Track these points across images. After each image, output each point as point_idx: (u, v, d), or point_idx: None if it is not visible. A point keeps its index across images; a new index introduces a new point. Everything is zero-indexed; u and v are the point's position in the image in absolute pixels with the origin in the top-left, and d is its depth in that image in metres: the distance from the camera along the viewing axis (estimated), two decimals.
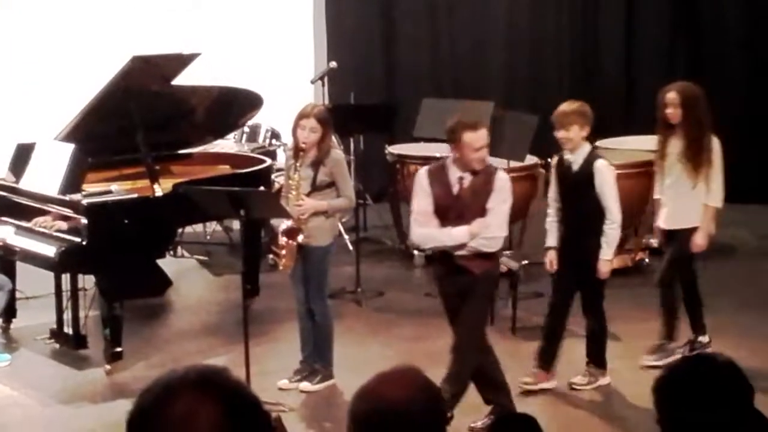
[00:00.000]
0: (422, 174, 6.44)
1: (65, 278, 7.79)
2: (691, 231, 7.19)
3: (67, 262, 7.30)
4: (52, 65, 10.73)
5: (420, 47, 12.51)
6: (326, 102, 9.70)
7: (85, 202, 7.29)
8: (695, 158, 7.13)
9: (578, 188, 6.82)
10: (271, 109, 9.24)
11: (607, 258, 6.76)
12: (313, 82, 10.51)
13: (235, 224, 9.87)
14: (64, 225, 7.38)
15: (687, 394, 2.89)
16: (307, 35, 12.20)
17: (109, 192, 7.52)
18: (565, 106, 7.01)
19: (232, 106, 8.71)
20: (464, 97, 10.23)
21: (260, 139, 10.43)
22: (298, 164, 6.89)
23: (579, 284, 6.90)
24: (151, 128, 7.83)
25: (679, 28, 12.49)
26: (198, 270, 9.72)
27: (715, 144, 7.15)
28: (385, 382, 2.68)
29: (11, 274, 7.93)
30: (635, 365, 7.16)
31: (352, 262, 9.12)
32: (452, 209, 6.23)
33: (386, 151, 10.05)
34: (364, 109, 10.41)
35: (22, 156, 7.87)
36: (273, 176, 8.94)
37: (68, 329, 7.81)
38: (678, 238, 7.27)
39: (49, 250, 7.26)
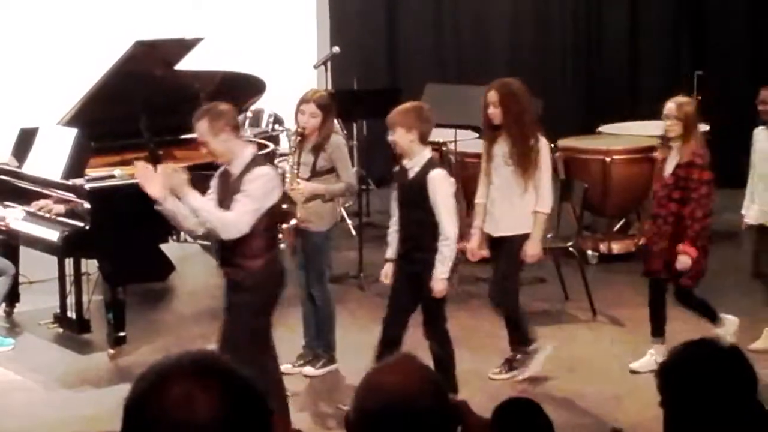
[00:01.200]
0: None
1: (68, 263, 7.80)
2: (520, 239, 6.76)
3: (71, 246, 7.30)
4: (56, 50, 10.71)
5: (423, 32, 12.50)
6: (329, 87, 9.70)
7: (88, 186, 7.29)
8: (521, 161, 6.67)
9: (413, 198, 6.29)
10: (274, 95, 9.24)
11: (442, 276, 6.20)
12: (316, 67, 10.51)
13: None
14: (61, 208, 7.37)
15: (691, 378, 2.89)
16: (310, 20, 12.18)
17: (112, 177, 7.53)
18: (398, 107, 6.51)
19: (235, 91, 8.69)
20: (468, 82, 10.20)
21: (263, 124, 10.41)
22: (293, 149, 6.93)
23: (415, 301, 6.38)
24: (154, 113, 7.83)
25: (683, 12, 12.47)
26: (201, 255, 9.72)
27: (543, 145, 6.72)
28: (389, 373, 2.67)
29: (14, 259, 7.94)
30: (637, 351, 7.16)
31: (354, 247, 9.12)
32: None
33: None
34: (367, 94, 10.40)
35: (25, 140, 7.87)
36: (276, 161, 8.93)
37: (71, 314, 7.82)
38: (505, 246, 6.84)
39: (53, 235, 7.26)
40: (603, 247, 9.45)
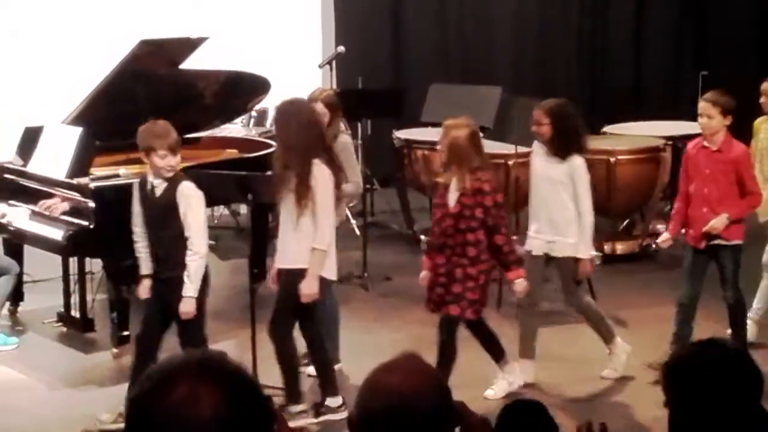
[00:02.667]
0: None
1: (73, 262, 7.81)
2: (297, 274, 6.19)
3: (75, 245, 7.30)
4: (60, 48, 10.72)
5: (428, 32, 12.50)
6: (334, 87, 9.70)
7: (92, 185, 7.29)
8: (297, 189, 6.08)
9: (161, 214, 6.14)
10: (279, 94, 9.22)
11: (190, 295, 6.07)
12: (320, 67, 10.51)
13: (243, 208, 9.89)
14: (66, 207, 7.37)
15: (696, 378, 2.89)
16: (315, 20, 12.18)
17: (117, 176, 7.53)
18: None
19: (240, 91, 8.71)
20: (472, 82, 10.21)
21: (268, 124, 10.42)
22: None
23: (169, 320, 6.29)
24: (158, 112, 7.81)
25: (688, 13, 12.47)
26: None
27: (322, 176, 6.09)
28: (393, 372, 2.67)
29: (19, 258, 7.94)
30: (641, 351, 7.15)
31: (359, 246, 9.11)
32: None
33: (394, 136, 10.05)
34: (372, 93, 10.39)
35: (29, 139, 7.88)
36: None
37: (75, 313, 7.83)
38: (283, 280, 6.33)
39: (57, 234, 7.26)
40: (607, 248, 9.45)
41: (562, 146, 6.71)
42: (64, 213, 7.35)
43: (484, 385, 6.70)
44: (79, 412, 6.57)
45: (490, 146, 9.24)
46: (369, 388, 2.65)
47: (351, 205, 9.77)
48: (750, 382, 2.91)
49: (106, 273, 7.50)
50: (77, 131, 7.53)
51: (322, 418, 6.42)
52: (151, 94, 7.76)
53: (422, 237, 9.76)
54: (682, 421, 2.91)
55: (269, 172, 6.58)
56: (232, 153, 8.69)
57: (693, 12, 12.45)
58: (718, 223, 6.72)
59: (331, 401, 6.47)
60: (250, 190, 6.61)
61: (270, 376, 6.75)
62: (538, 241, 6.89)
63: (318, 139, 6.21)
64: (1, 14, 10.81)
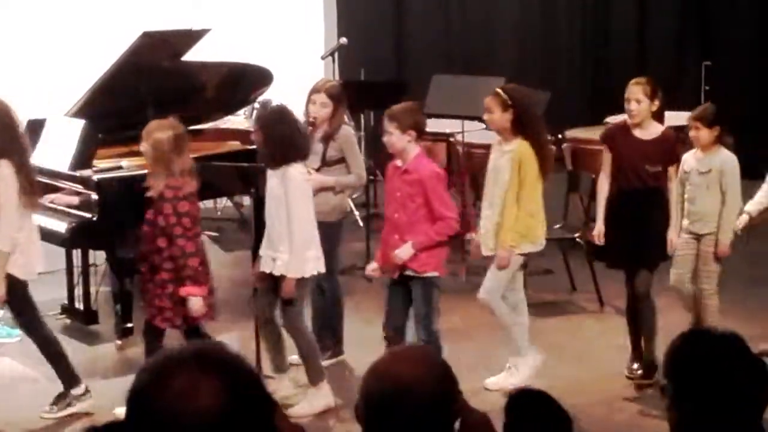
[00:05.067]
0: None
1: (76, 254, 7.81)
2: None
3: (78, 237, 7.31)
4: (63, 41, 10.72)
5: (430, 23, 12.48)
6: (336, 78, 9.69)
7: (95, 177, 7.30)
8: None
9: None
10: (281, 86, 9.23)
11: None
12: (323, 58, 10.50)
13: (246, 200, 9.88)
14: (69, 200, 7.38)
15: (694, 369, 2.88)
16: (317, 11, 12.17)
17: (120, 168, 7.54)
18: None
19: (242, 82, 8.70)
20: (475, 73, 10.20)
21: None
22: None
23: None
24: (161, 104, 7.82)
25: (691, 3, 12.45)
26: (209, 246, 9.68)
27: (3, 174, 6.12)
28: (397, 360, 2.68)
29: None
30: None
31: (362, 238, 9.12)
32: None
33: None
34: (375, 85, 10.39)
35: (32, 132, 7.85)
36: None
37: (79, 305, 7.84)
38: None
39: (60, 226, 7.27)
40: None
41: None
42: (69, 206, 7.36)
43: (484, 375, 6.70)
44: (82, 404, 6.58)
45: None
46: (373, 374, 2.66)
47: (354, 196, 9.77)
48: (747, 370, 2.90)
49: (110, 265, 7.50)
50: (80, 123, 7.53)
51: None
52: (154, 86, 7.76)
53: None
54: (685, 409, 2.90)
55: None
56: (234, 145, 8.68)
57: (696, 2, 12.43)
58: (402, 252, 6.16)
59: (75, 390, 6.48)
60: (253, 181, 6.61)
61: None
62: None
63: (9, 142, 6.15)
64: (3, 7, 10.81)
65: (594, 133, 9.66)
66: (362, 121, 10.50)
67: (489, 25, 12.55)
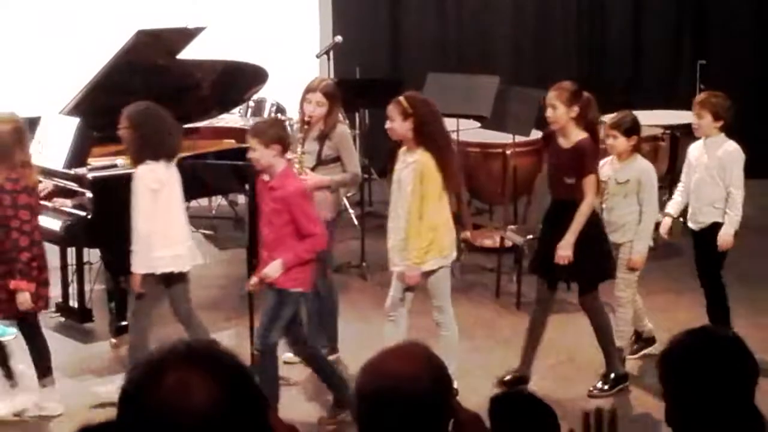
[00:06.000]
0: None
1: (70, 252, 7.81)
2: None
3: (73, 236, 7.30)
4: (58, 38, 10.71)
5: (426, 21, 12.48)
6: (332, 76, 9.69)
7: (90, 176, 7.30)
8: None
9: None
10: (277, 84, 9.23)
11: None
12: (318, 57, 10.50)
13: (241, 198, 9.88)
14: (64, 199, 7.38)
15: (691, 366, 2.89)
16: (313, 9, 12.17)
17: (115, 166, 7.53)
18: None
19: (238, 81, 8.70)
20: (470, 72, 10.19)
21: (265, 114, 10.41)
22: (300, 138, 6.89)
23: None
24: (156, 102, 7.81)
25: (686, 1, 12.46)
26: (203, 244, 9.69)
27: None
28: (391, 357, 2.68)
29: None
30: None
31: (357, 236, 9.12)
32: None
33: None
34: (370, 83, 10.38)
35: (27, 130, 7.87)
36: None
37: (74, 303, 7.84)
38: None
39: (55, 224, 7.26)
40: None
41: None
42: (63, 204, 7.36)
43: (482, 376, 6.71)
44: (77, 402, 6.58)
45: (488, 136, 9.26)
46: (367, 372, 2.66)
47: (349, 194, 9.78)
48: (745, 369, 2.91)
49: (104, 263, 7.50)
50: (75, 121, 7.52)
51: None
52: (149, 84, 7.76)
53: None
54: (679, 409, 2.91)
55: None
56: (229, 143, 8.69)
57: (691, 1, 12.44)
58: (270, 270, 6.03)
59: None
60: (247, 179, 6.61)
61: None
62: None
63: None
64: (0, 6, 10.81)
65: None
66: (357, 119, 10.49)
67: (484, 23, 12.54)
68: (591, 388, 6.66)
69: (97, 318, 7.72)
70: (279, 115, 10.44)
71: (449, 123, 9.08)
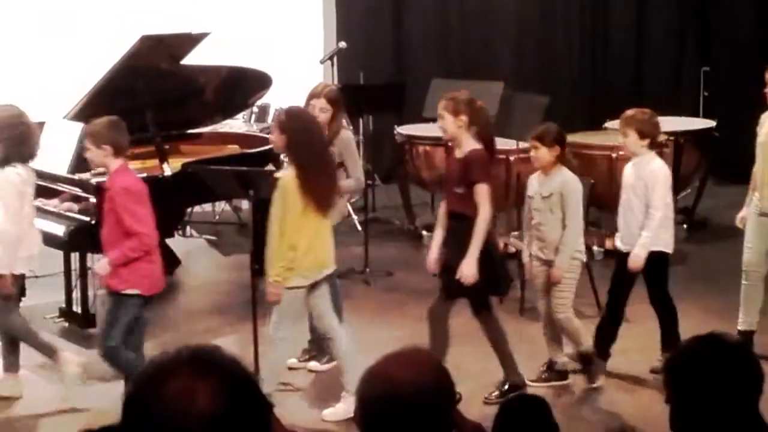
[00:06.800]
0: None
1: (74, 257, 7.80)
2: None
3: (76, 241, 7.31)
4: (62, 44, 10.72)
5: (429, 27, 12.49)
6: (335, 82, 9.70)
7: (94, 181, 7.30)
8: None
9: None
10: (280, 89, 9.24)
11: None
12: (322, 62, 10.50)
13: (244, 204, 9.88)
14: (68, 204, 7.39)
15: (696, 374, 2.88)
16: (317, 15, 12.17)
17: None
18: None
19: (241, 86, 8.71)
20: (474, 78, 10.20)
21: (269, 119, 10.42)
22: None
23: None
24: (160, 108, 7.83)
25: (689, 8, 12.46)
26: (207, 250, 9.72)
27: None
28: (393, 363, 2.68)
29: None
30: (642, 346, 7.14)
31: (360, 242, 9.12)
32: None
33: (395, 132, 10.05)
34: (374, 89, 10.40)
35: None
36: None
37: (77, 308, 7.83)
38: None
39: (59, 229, 7.27)
40: (608, 243, 9.42)
41: None
42: (69, 210, 7.37)
43: (482, 380, 6.71)
44: (80, 408, 6.57)
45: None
46: (370, 378, 2.66)
47: (353, 200, 9.78)
48: (750, 377, 2.91)
49: None
50: (79, 127, 7.52)
51: None
52: (153, 89, 7.76)
53: (424, 232, 9.78)
54: (684, 417, 2.91)
55: (270, 168, 6.59)
56: (233, 149, 8.69)
57: (695, 7, 12.43)
58: (98, 267, 6.14)
59: None
60: (251, 185, 6.61)
61: None
62: None
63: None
64: (2, 10, 10.81)
65: (593, 138, 9.70)
66: (361, 125, 10.49)
67: (488, 29, 12.54)
68: (487, 396, 6.51)
69: (101, 323, 7.70)
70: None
71: None
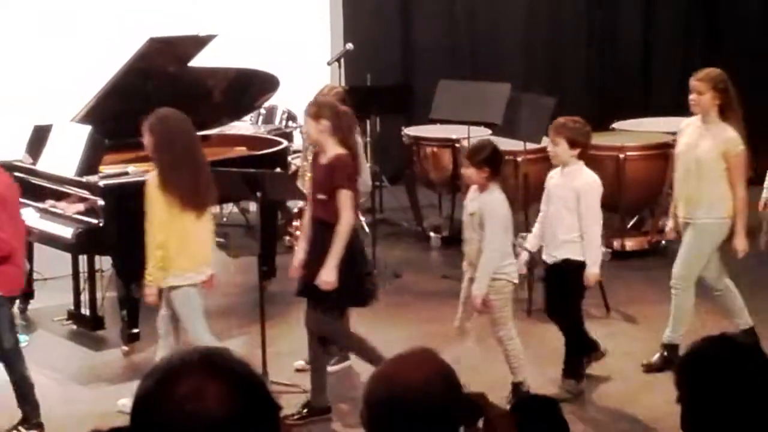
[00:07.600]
0: None
1: (82, 259, 7.82)
2: None
3: (84, 243, 7.32)
4: (69, 46, 10.73)
5: (437, 28, 12.48)
6: (342, 84, 9.70)
7: (102, 183, 7.31)
8: None
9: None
10: (288, 91, 9.24)
11: None
12: (329, 64, 10.50)
13: (252, 206, 9.89)
14: (76, 206, 7.40)
15: (709, 374, 2.88)
16: (324, 17, 12.18)
17: (126, 173, 7.54)
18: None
19: (249, 88, 8.71)
20: (481, 79, 10.20)
21: (276, 121, 10.43)
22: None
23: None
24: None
25: (697, 8, 12.45)
26: (214, 252, 9.68)
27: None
28: (400, 364, 2.67)
29: (29, 256, 7.94)
30: (651, 347, 7.14)
31: (368, 244, 9.10)
32: None
33: (403, 133, 10.05)
34: (381, 90, 10.39)
35: (39, 138, 7.89)
36: (289, 158, 8.95)
37: (85, 310, 7.84)
38: None
39: (67, 232, 7.28)
40: (616, 244, 9.43)
41: None
42: (78, 212, 7.38)
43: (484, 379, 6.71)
44: (88, 410, 6.58)
45: (499, 143, 9.23)
46: (376, 379, 2.66)
47: (360, 201, 9.78)
48: (762, 377, 2.90)
49: (116, 271, 7.51)
50: (86, 129, 7.54)
51: None
52: (160, 91, 7.77)
53: (432, 234, 9.78)
54: (695, 418, 2.90)
55: (278, 170, 6.60)
56: (240, 150, 8.70)
57: (703, 7, 12.42)
58: None
59: None
60: (259, 187, 6.62)
61: (280, 373, 6.78)
62: None
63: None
64: (9, 12, 10.83)
65: (600, 139, 9.68)
66: (368, 126, 10.50)
67: (496, 30, 12.54)
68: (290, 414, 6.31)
69: (109, 326, 7.72)
70: (290, 122, 10.45)
71: (459, 130, 9.11)
